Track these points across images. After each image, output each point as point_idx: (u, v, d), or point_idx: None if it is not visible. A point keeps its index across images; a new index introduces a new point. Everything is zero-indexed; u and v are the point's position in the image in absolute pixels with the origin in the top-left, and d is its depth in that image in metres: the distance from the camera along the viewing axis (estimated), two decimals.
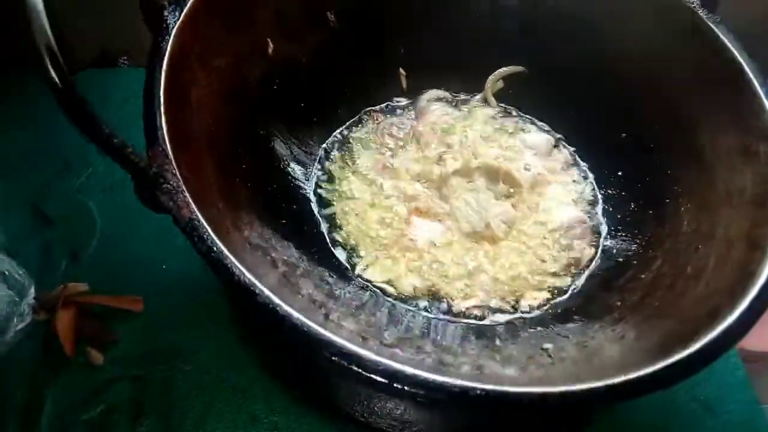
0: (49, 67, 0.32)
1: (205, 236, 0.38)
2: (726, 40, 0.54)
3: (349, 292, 0.49)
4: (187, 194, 0.39)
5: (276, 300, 0.36)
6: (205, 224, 0.38)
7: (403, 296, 0.53)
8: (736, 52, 0.53)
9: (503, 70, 0.67)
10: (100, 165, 0.67)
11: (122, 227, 0.62)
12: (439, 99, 0.68)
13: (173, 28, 0.47)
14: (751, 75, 0.52)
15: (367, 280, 0.53)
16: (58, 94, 0.32)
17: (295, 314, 0.35)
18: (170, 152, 0.41)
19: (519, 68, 0.67)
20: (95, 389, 0.53)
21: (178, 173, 0.40)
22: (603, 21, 0.62)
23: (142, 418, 0.52)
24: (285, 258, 0.47)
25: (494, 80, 0.67)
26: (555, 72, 0.65)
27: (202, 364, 0.54)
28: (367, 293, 0.52)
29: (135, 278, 0.59)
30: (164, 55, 0.45)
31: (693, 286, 0.46)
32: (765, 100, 0.51)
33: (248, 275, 0.37)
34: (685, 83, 0.57)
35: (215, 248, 0.37)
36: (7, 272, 0.55)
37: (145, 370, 0.54)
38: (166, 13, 0.47)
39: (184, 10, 0.48)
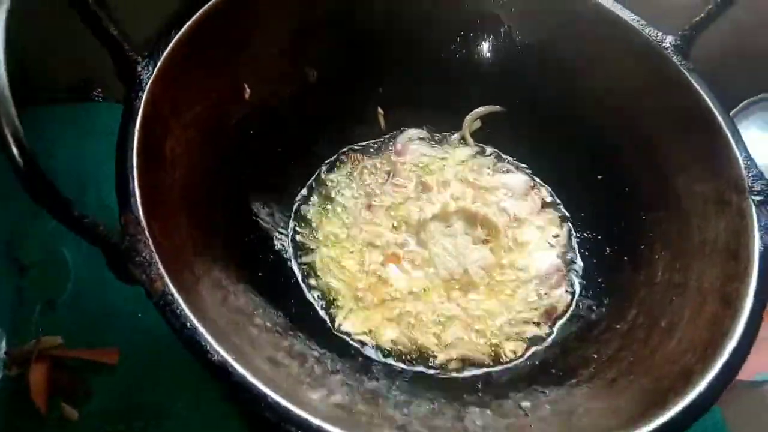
0: (16, 154, 0.31)
1: (178, 311, 0.37)
2: (699, 89, 0.55)
3: (327, 352, 0.49)
4: (160, 266, 0.39)
5: (251, 379, 0.36)
6: (178, 298, 0.38)
7: (382, 348, 0.53)
8: (709, 102, 0.54)
9: (481, 110, 0.68)
10: None
11: (97, 274, 0.60)
12: (419, 138, 0.68)
13: (146, 83, 0.46)
14: (723, 125, 0.53)
15: (346, 333, 0.53)
16: (24, 179, 0.32)
17: (272, 395, 0.35)
18: (143, 219, 0.40)
19: (496, 108, 0.68)
20: None
21: (151, 242, 0.39)
22: (581, 64, 0.62)
23: None
24: (261, 320, 0.47)
25: (472, 119, 0.68)
26: (533, 112, 0.66)
27: (179, 419, 0.54)
28: (349, 349, 0.52)
29: (110, 328, 0.58)
30: (137, 114, 0.45)
31: (667, 341, 0.47)
32: (737, 151, 0.52)
33: (222, 353, 0.36)
34: (661, 129, 0.58)
35: (188, 324, 0.37)
36: None
37: (121, 426, 0.53)
38: (139, 69, 0.46)
39: (158, 64, 0.47)
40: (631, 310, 0.53)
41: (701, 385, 0.40)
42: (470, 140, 0.68)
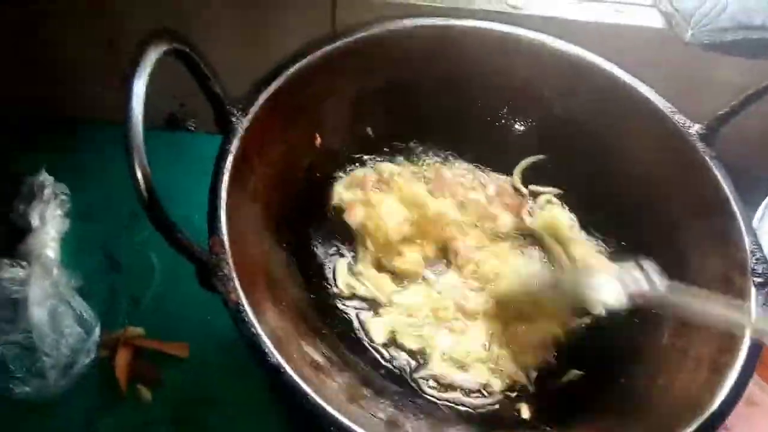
0: (143, 190, 0.41)
1: (246, 320, 0.47)
2: (719, 176, 0.61)
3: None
4: (236, 282, 0.48)
5: (302, 384, 0.44)
6: (248, 309, 0.47)
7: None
8: (727, 189, 0.60)
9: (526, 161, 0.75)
10: None
11: (176, 280, 0.72)
12: None
13: (239, 132, 0.56)
14: (737, 212, 0.59)
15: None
16: (147, 209, 0.42)
17: (318, 399, 0.44)
18: (227, 242, 0.50)
19: (539, 156, 0.75)
20: (141, 427, 0.62)
21: (231, 262, 0.49)
22: (612, 140, 0.69)
23: None
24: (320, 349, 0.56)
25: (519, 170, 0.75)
26: (561, 178, 0.73)
27: (237, 413, 0.63)
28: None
29: (184, 327, 0.68)
30: (229, 155, 0.55)
31: (662, 398, 0.53)
32: (746, 236, 0.57)
33: (278, 356, 0.46)
34: (681, 209, 0.64)
35: (254, 331, 0.46)
36: (79, 312, 0.66)
37: (186, 413, 0.63)
38: (234, 119, 0.57)
39: (249, 116, 0.58)
40: (637, 366, 0.59)
41: None
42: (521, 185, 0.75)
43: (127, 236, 0.76)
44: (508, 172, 0.75)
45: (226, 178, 0.54)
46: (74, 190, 0.78)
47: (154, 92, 0.43)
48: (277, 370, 0.45)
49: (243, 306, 0.47)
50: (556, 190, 0.74)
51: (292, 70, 0.62)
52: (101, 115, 0.80)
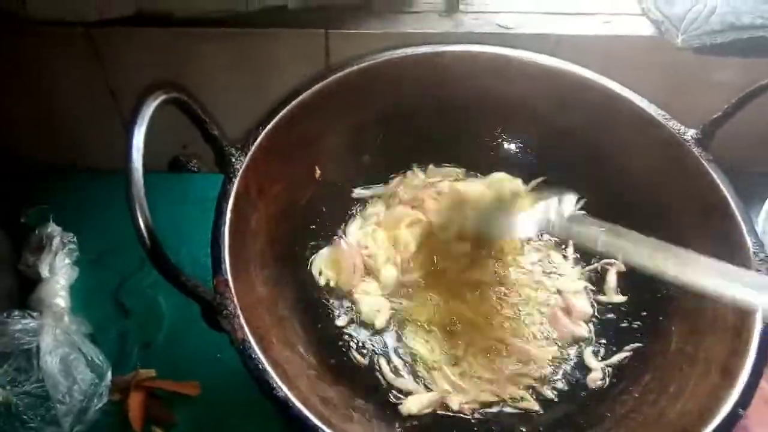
0: (146, 237, 0.42)
1: (253, 356, 0.47)
2: (717, 178, 0.61)
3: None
4: (242, 319, 0.49)
5: (308, 414, 0.45)
6: (254, 345, 0.48)
7: None
8: (725, 190, 0.60)
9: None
10: None
11: (186, 321, 0.73)
12: None
13: (239, 171, 0.58)
14: (737, 212, 0.59)
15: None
16: (150, 254, 0.43)
17: (321, 425, 0.44)
18: (230, 280, 0.51)
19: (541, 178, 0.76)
20: None
21: (235, 299, 0.50)
22: (611, 150, 0.70)
23: None
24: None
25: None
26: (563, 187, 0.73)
27: None
28: None
29: (194, 367, 0.69)
30: (230, 195, 0.56)
31: (673, 405, 0.53)
32: (747, 237, 0.57)
33: (285, 390, 0.46)
34: (681, 213, 0.64)
35: (261, 366, 0.47)
36: (90, 357, 0.67)
37: None
38: (233, 159, 0.58)
39: (248, 155, 0.59)
40: (646, 376, 0.58)
41: None
42: None
43: (135, 282, 0.77)
44: None
45: (228, 217, 0.55)
46: (82, 239, 0.79)
47: (157, 137, 0.45)
48: (285, 403, 0.45)
49: (249, 342, 0.48)
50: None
51: (287, 109, 0.63)
52: (106, 164, 0.84)
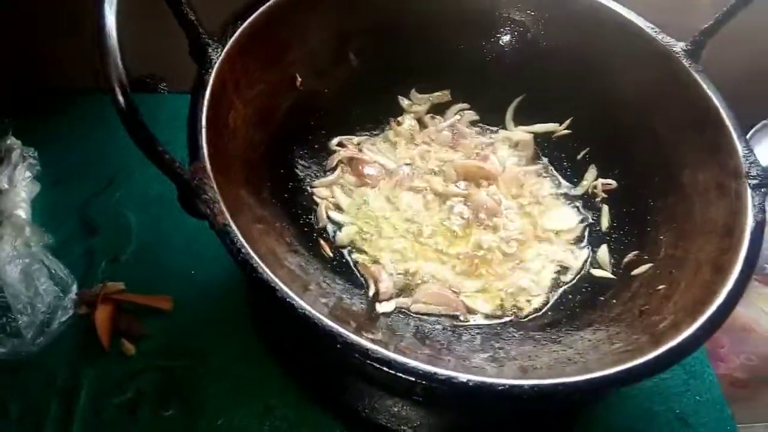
0: (119, 97, 0.38)
1: (235, 240, 0.44)
2: (707, 88, 0.60)
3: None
4: (222, 204, 0.46)
5: (293, 296, 0.42)
6: (235, 230, 0.45)
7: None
8: (715, 99, 0.59)
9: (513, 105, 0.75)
10: (139, 182, 0.74)
11: (156, 237, 0.69)
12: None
13: (215, 62, 0.54)
14: (727, 121, 0.58)
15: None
16: (124, 117, 0.39)
17: (310, 309, 0.42)
18: (209, 168, 0.48)
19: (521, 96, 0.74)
20: (126, 377, 0.59)
21: (215, 186, 0.47)
22: (599, 65, 0.68)
23: (167, 404, 0.58)
24: (306, 268, 0.54)
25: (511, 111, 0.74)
26: (552, 107, 0.72)
27: (223, 360, 0.61)
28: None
29: (166, 282, 0.66)
30: (207, 86, 0.53)
31: (664, 305, 0.52)
32: (737, 143, 0.57)
33: (269, 273, 0.43)
34: (672, 125, 0.63)
35: (243, 250, 0.44)
36: (54, 270, 0.63)
37: (172, 362, 0.60)
38: (210, 50, 0.54)
39: (225, 48, 0.55)
40: (634, 283, 0.58)
41: (688, 332, 0.45)
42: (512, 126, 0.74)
43: (104, 199, 0.73)
44: (498, 110, 0.75)
45: (204, 106, 0.51)
46: (46, 156, 0.75)
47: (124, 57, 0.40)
48: (270, 286, 0.43)
49: (230, 226, 0.45)
50: (555, 126, 0.73)
51: (266, 5, 0.59)
52: (71, 83, 0.80)
